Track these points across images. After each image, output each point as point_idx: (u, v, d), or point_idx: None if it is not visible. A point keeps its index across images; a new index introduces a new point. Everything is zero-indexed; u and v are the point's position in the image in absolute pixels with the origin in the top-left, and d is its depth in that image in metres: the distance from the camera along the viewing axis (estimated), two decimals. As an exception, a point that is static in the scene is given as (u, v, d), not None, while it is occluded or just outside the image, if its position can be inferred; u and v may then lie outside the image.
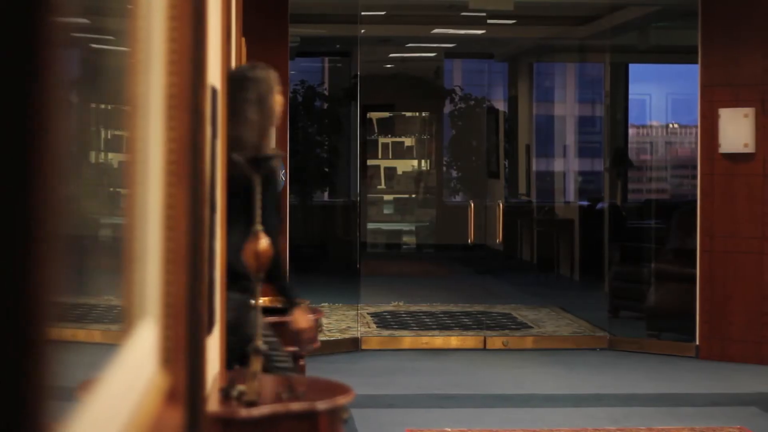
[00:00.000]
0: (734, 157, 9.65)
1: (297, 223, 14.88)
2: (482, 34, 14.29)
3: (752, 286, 9.52)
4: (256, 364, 3.80)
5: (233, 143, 4.61)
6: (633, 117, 17.27)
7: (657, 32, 13.71)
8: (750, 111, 9.58)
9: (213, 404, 3.72)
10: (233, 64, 6.53)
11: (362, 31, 13.27)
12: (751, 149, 9.58)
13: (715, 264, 9.68)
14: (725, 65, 9.71)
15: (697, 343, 9.76)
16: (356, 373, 9.11)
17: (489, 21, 13.43)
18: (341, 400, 3.83)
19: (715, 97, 9.75)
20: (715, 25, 9.76)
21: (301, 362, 5.84)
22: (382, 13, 12.56)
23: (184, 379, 2.01)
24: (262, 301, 6.16)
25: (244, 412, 3.63)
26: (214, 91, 3.96)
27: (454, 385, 8.59)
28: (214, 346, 4.22)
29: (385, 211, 15.60)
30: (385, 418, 7.56)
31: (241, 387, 3.74)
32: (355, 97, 14.89)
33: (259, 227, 3.80)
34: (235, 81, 4.84)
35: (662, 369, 9.30)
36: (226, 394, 3.75)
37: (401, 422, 7.37)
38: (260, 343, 3.81)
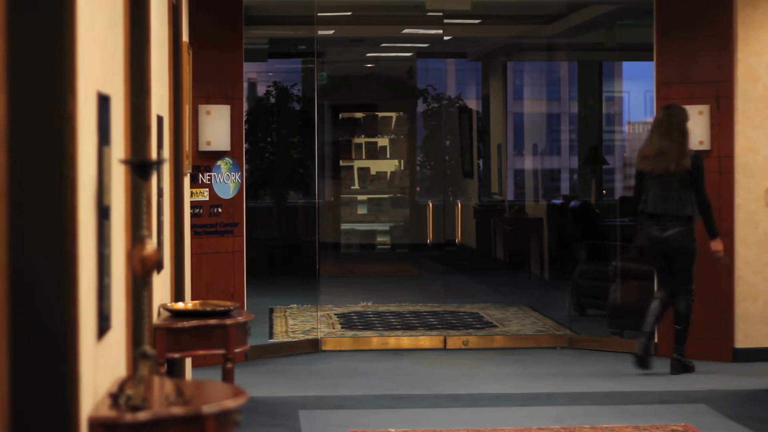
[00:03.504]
0: (690, 155, 9.64)
1: (270, 224, 14.93)
2: (450, 34, 14.31)
3: (709, 283, 9.53)
4: (144, 369, 3.83)
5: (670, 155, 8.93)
6: (611, 115, 17.28)
7: (623, 30, 13.73)
8: (705, 108, 9.60)
9: (101, 409, 3.75)
10: (164, 69, 6.56)
11: (332, 32, 13.33)
12: (706, 146, 9.61)
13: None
14: (680, 63, 9.73)
15: (656, 340, 9.77)
16: (311, 374, 9.13)
17: (458, 21, 13.46)
18: (230, 404, 3.86)
19: (670, 94, 9.76)
20: (670, 23, 9.78)
21: (229, 365, 5.87)
22: (347, 13, 12.59)
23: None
24: (191, 305, 6.20)
25: (128, 417, 3.66)
26: (103, 98, 3.99)
27: (406, 386, 8.61)
28: (111, 351, 4.25)
29: (359, 212, 15.64)
30: (331, 419, 7.58)
31: (128, 392, 3.77)
32: (326, 98, 14.96)
33: (144, 232, 3.82)
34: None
35: (618, 367, 9.32)
36: (115, 399, 3.78)
37: (347, 423, 7.39)
38: (147, 348, 3.83)
